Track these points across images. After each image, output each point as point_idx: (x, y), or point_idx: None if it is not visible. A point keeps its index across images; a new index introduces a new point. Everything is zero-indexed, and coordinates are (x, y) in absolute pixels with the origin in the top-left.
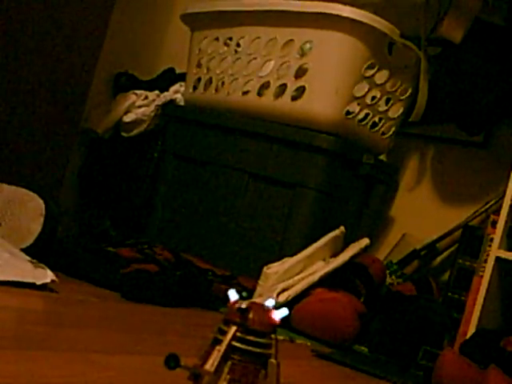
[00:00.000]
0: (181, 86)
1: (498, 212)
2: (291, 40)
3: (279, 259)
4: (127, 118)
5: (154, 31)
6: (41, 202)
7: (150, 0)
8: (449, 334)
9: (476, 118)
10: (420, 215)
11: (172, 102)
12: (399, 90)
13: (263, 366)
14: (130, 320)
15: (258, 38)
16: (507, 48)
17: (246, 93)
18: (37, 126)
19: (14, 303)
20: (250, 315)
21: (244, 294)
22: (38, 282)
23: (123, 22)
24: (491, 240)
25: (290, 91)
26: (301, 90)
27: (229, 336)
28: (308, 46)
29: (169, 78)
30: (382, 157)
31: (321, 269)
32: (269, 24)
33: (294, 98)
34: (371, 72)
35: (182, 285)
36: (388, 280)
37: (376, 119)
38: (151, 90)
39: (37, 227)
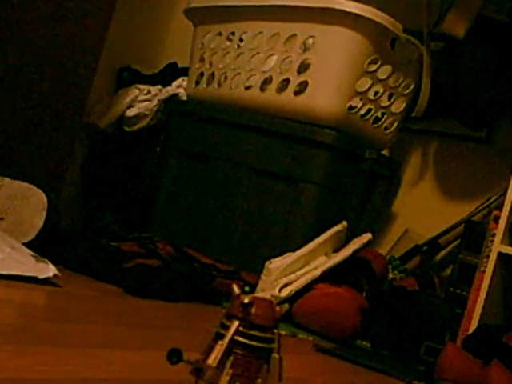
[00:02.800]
0: (183, 80)
1: (500, 207)
2: (294, 35)
3: (282, 254)
4: (130, 113)
5: (156, 26)
6: (43, 196)
7: None
8: (451, 330)
9: (478, 113)
10: (422, 210)
11: (174, 96)
12: (402, 85)
13: (266, 361)
14: (133, 315)
15: (261, 32)
16: (510, 44)
17: (248, 88)
18: (40, 120)
19: (16, 297)
20: (253, 310)
21: (246, 288)
22: (41, 277)
23: (126, 16)
24: (493, 235)
25: (292, 86)
26: (303, 85)
27: (231, 330)
28: (311, 40)
29: (171, 72)
30: (385, 152)
31: (323, 264)
32: (272, 19)
33: (296, 93)
34: (374, 67)
35: (184, 280)
36: (390, 275)
37: (378, 114)
38: (154, 84)
39: (39, 222)
